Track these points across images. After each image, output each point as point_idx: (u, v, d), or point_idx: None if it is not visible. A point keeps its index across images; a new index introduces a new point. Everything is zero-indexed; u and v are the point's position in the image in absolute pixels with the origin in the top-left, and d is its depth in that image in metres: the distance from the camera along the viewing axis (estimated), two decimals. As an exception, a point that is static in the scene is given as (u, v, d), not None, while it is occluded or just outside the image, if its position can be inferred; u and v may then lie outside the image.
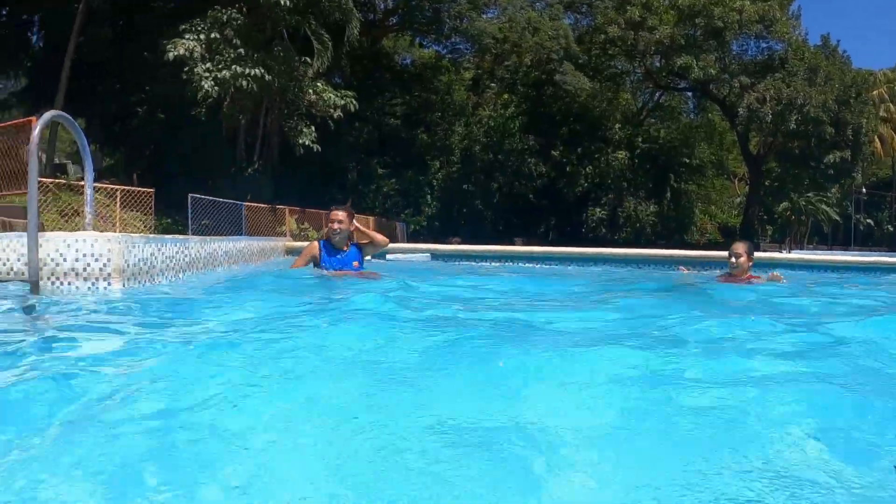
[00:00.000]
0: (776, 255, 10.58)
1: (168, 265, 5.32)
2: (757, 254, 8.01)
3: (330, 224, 7.26)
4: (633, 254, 11.01)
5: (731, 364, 2.99)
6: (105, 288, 4.53)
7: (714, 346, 3.53)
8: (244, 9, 26.01)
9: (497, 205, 51.41)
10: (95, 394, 2.34)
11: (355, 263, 7.32)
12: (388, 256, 10.90)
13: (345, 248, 7.32)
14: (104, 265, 4.51)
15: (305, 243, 9.32)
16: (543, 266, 10.59)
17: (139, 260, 4.85)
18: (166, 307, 4.25)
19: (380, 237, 7.87)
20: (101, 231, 4.82)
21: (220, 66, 24.06)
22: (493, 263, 10.89)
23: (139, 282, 4.83)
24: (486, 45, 45.01)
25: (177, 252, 5.51)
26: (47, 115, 4.37)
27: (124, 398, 2.30)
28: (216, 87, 23.92)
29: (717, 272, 8.49)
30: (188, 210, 22.40)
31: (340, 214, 7.20)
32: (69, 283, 4.57)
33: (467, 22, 41.01)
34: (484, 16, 44.07)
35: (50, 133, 29.42)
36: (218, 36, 24.65)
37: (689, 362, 3.00)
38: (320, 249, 7.32)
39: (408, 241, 43.56)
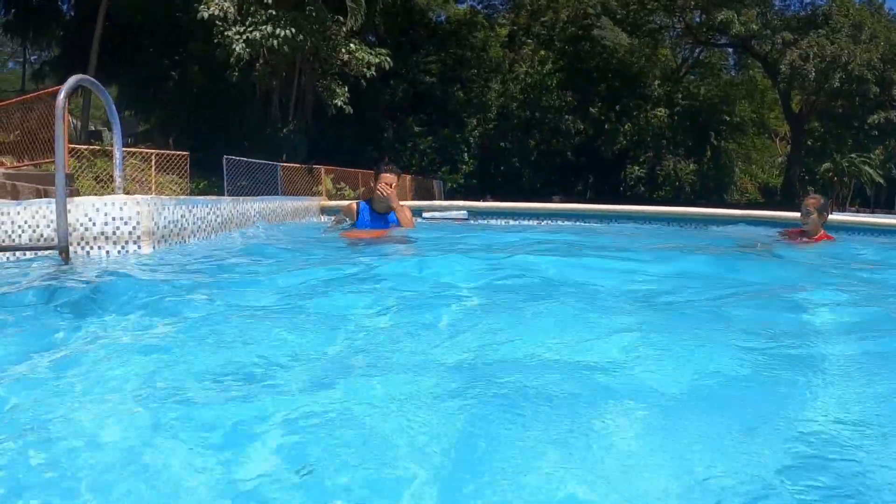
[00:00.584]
0: (851, 217, 10.05)
1: (199, 226, 5.28)
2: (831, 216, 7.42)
3: (379, 186, 6.81)
4: (675, 212, 10.66)
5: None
6: (136, 251, 4.50)
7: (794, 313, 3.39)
8: (276, -34, 25.82)
9: (534, 162, 51.10)
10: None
11: (392, 226, 6.96)
12: (424, 214, 10.75)
13: (386, 211, 6.98)
14: (133, 228, 4.47)
15: (342, 202, 9.25)
16: (591, 224, 10.30)
17: (169, 222, 4.80)
18: (192, 272, 4.17)
19: (408, 219, 7.28)
20: (138, 195, 4.83)
21: (250, 28, 23.91)
22: (532, 222, 10.64)
23: (169, 243, 4.80)
24: (521, 1, 44.35)
25: (208, 213, 5.45)
26: (72, 79, 4.32)
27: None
28: (247, 49, 23.79)
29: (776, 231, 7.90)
30: (223, 172, 22.49)
31: (392, 178, 6.84)
32: (99, 248, 4.53)
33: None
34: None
35: (84, 100, 29.58)
36: (249, -3, 24.50)
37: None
38: (359, 211, 7.03)
39: (445, 199, 43.59)
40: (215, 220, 5.59)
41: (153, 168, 20.54)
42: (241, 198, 6.65)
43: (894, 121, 44.54)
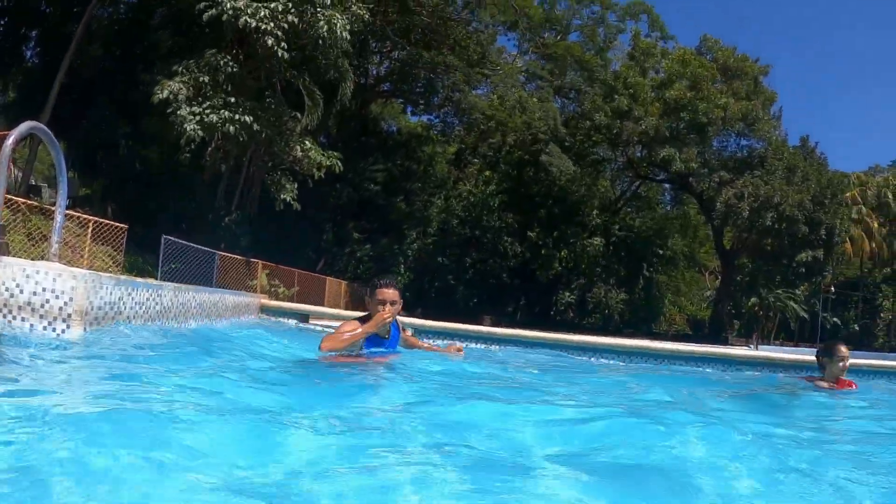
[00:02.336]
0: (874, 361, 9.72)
1: (137, 312, 4.76)
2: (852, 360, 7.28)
3: (380, 308, 5.53)
4: (659, 348, 10.04)
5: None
6: (63, 331, 3.98)
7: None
8: (240, 56, 25.78)
9: (469, 281, 51.11)
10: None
11: (391, 355, 5.90)
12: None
13: (389, 334, 5.85)
14: (65, 304, 3.96)
15: (283, 304, 8.50)
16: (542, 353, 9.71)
17: (105, 303, 4.31)
18: (125, 370, 3.59)
19: (433, 347, 6.64)
20: (69, 262, 4.31)
21: (207, 110, 23.65)
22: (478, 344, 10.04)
23: (102, 327, 4.28)
24: (475, 120, 45.21)
25: (148, 298, 4.95)
26: (25, 125, 3.92)
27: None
28: (199, 131, 23.45)
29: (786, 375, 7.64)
30: (160, 252, 21.78)
31: (394, 294, 5.62)
32: (23, 320, 4.00)
33: (459, 95, 41.11)
34: (475, 91, 44.28)
35: (30, 152, 28.84)
36: (207, 80, 24.30)
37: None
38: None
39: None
40: (154, 308, 5.08)
41: (89, 236, 19.71)
42: (182, 286, 6.08)
43: (821, 259, 45.94)
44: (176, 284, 5.73)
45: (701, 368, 8.75)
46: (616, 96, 46.10)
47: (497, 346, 9.26)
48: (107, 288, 4.30)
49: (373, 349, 5.58)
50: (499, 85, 45.22)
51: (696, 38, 51.43)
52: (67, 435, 2.17)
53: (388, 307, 5.49)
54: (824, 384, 6.53)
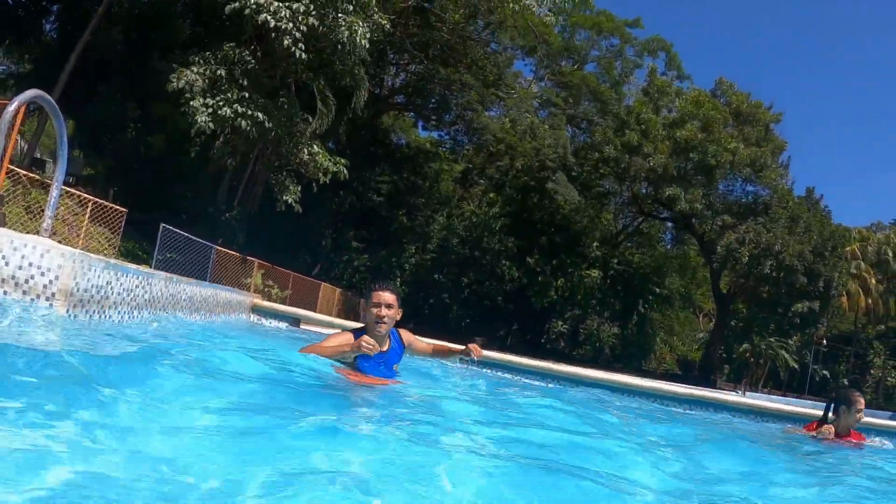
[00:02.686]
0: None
1: (124, 299, 4.60)
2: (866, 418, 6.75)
3: (374, 311, 5.08)
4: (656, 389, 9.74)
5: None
6: (46, 309, 3.82)
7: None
8: (258, 52, 25.70)
9: (464, 301, 50.93)
10: None
11: (395, 367, 5.40)
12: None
13: (387, 345, 5.27)
14: (50, 282, 3.80)
15: (276, 305, 8.28)
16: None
17: (92, 286, 4.14)
18: (112, 359, 3.32)
19: (434, 348, 5.96)
20: (64, 239, 4.15)
21: (220, 103, 23.53)
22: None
23: (87, 311, 4.12)
24: (486, 141, 45.15)
25: (137, 286, 4.78)
26: (30, 92, 3.80)
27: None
28: (211, 124, 23.33)
29: (789, 426, 7.14)
30: (157, 240, 21.62)
31: (390, 298, 5.13)
32: (4, 293, 3.83)
33: (472, 114, 41.03)
34: (488, 113, 44.22)
35: (38, 125, 28.74)
36: (224, 73, 24.21)
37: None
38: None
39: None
40: (143, 297, 4.91)
41: (87, 215, 19.55)
42: (174, 276, 5.87)
43: (816, 311, 45.82)
44: (167, 274, 5.54)
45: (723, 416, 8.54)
46: (627, 131, 46.06)
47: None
48: (95, 270, 4.14)
49: (366, 363, 5.03)
50: (512, 108, 45.13)
51: (711, 80, 51.69)
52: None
53: (382, 310, 5.03)
54: (830, 436, 6.10)
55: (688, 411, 8.53)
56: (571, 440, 3.77)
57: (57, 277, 3.81)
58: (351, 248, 46.51)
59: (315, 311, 29.75)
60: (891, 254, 67.53)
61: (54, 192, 4.37)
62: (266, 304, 9.99)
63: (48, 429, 2.09)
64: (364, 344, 4.72)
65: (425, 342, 5.97)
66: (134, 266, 5.00)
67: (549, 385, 8.69)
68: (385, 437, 2.79)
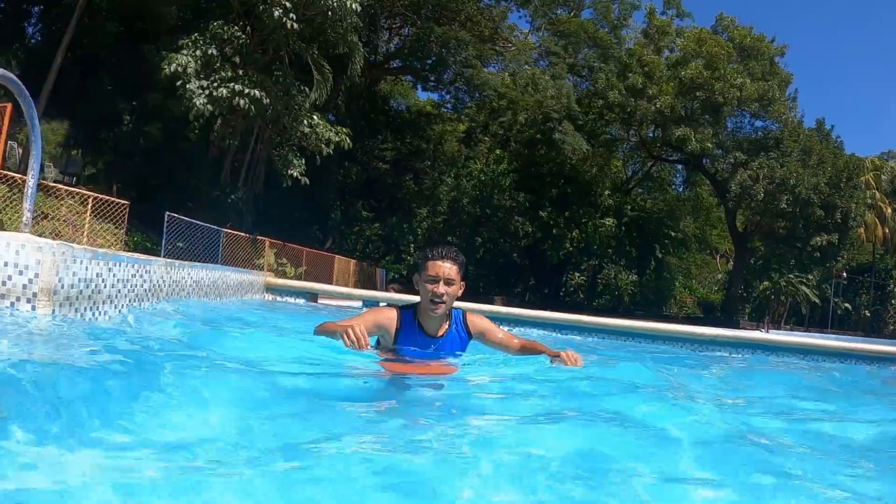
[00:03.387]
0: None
1: (120, 291, 4.17)
2: None
3: (429, 287, 4.13)
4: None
5: None
6: (29, 312, 3.39)
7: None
8: (248, 28, 25.13)
9: (479, 260, 50.58)
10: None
11: (452, 364, 4.24)
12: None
13: (442, 330, 4.32)
14: (30, 281, 3.33)
15: (290, 282, 7.85)
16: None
17: (80, 280, 3.69)
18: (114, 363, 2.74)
19: (520, 345, 4.43)
20: (69, 240, 3.69)
21: (216, 84, 23.01)
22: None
23: (77, 310, 3.69)
24: (487, 97, 44.41)
25: (133, 275, 4.33)
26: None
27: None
28: (208, 106, 22.83)
29: None
30: (163, 229, 21.24)
31: (450, 270, 4.14)
32: (-20, 301, 3.37)
33: (471, 71, 40.26)
34: (487, 68, 43.46)
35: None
36: (216, 53, 23.67)
37: None
38: (400, 324, 4.24)
39: (384, 289, 42.64)
40: (142, 287, 4.47)
41: (88, 212, 19.16)
42: (176, 261, 5.43)
43: (835, 243, 45.34)
44: (168, 260, 5.12)
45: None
46: (630, 74, 45.28)
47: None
48: (81, 262, 3.68)
49: (412, 348, 4.20)
50: (511, 62, 44.39)
51: (712, 17, 50.52)
52: None
53: (440, 286, 4.07)
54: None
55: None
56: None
57: (37, 275, 3.34)
58: (361, 218, 46.20)
59: (331, 284, 29.50)
60: None
61: (30, 183, 3.91)
62: (279, 281, 9.66)
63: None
64: (346, 337, 3.63)
65: (506, 334, 4.54)
66: (127, 254, 4.56)
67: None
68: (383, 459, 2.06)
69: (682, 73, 44.29)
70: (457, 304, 4.42)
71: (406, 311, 4.30)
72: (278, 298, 9.00)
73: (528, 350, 4.32)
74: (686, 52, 45.77)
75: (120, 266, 4.15)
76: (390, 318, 4.24)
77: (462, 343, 4.39)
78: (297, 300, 9.11)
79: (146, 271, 4.52)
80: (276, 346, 4.32)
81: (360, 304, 10.26)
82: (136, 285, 4.35)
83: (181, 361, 2.96)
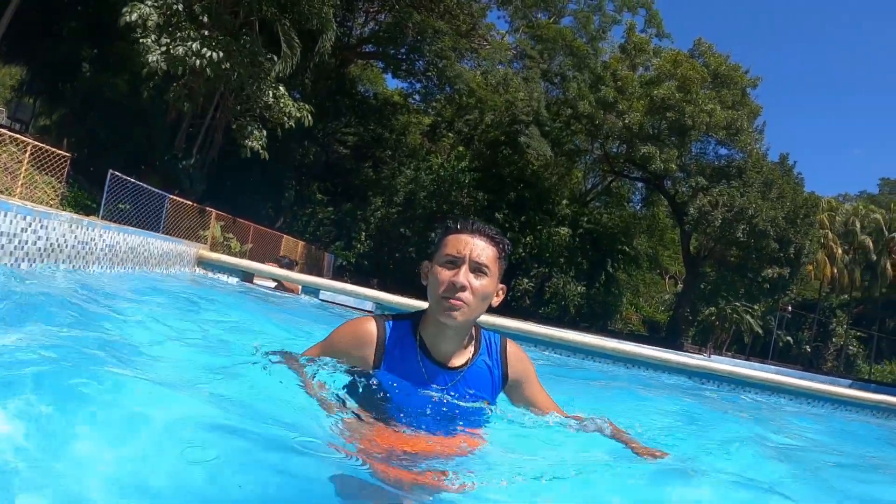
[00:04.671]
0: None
1: (7, 249, 3.38)
2: None
3: (444, 275, 2.65)
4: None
5: None
6: None
7: None
8: (219, -14, 24.14)
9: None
10: None
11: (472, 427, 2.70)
12: (321, 296, 9.14)
13: (462, 358, 2.78)
14: None
15: (229, 258, 7.07)
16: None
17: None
18: None
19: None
20: (1, 189, 2.91)
21: (175, 42, 21.95)
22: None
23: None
24: (459, 90, 43.76)
25: (25, 230, 3.55)
26: None
27: None
28: (163, 64, 21.75)
29: None
30: (105, 188, 20.25)
31: (486, 251, 2.67)
32: None
33: (446, 62, 39.60)
34: (461, 63, 42.88)
35: None
36: (181, 8, 22.60)
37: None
38: (384, 342, 2.74)
39: (333, 275, 41.86)
40: (34, 244, 3.65)
41: (26, 160, 18.06)
42: (85, 219, 4.58)
43: (786, 277, 45.73)
44: (74, 216, 4.27)
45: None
46: (602, 87, 45.06)
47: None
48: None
49: (403, 386, 2.67)
50: (484, 60, 43.88)
51: (690, 40, 50.45)
52: None
53: (461, 275, 2.58)
54: None
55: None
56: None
57: None
58: (315, 200, 45.40)
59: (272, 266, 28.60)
60: (858, 225, 69.37)
61: None
62: (213, 255, 8.83)
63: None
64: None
65: (545, 396, 2.97)
66: (18, 202, 3.72)
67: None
68: None
69: (655, 91, 44.21)
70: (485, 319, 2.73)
71: (399, 321, 2.77)
72: (209, 274, 8.22)
73: (586, 427, 2.75)
74: (661, 72, 45.75)
75: (8, 219, 3.35)
76: (363, 336, 2.71)
77: (494, 386, 2.81)
78: (230, 279, 8.35)
79: (42, 228, 3.69)
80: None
81: (273, 283, 9.65)
82: (26, 241, 3.55)
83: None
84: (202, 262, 8.17)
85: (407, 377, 2.68)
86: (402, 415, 2.61)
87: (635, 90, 45.32)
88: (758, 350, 68.37)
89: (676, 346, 47.68)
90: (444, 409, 2.67)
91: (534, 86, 44.85)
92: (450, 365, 2.72)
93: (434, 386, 2.70)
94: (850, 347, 73.94)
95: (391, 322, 2.76)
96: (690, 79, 44.13)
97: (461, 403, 2.71)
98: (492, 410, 2.77)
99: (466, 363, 2.75)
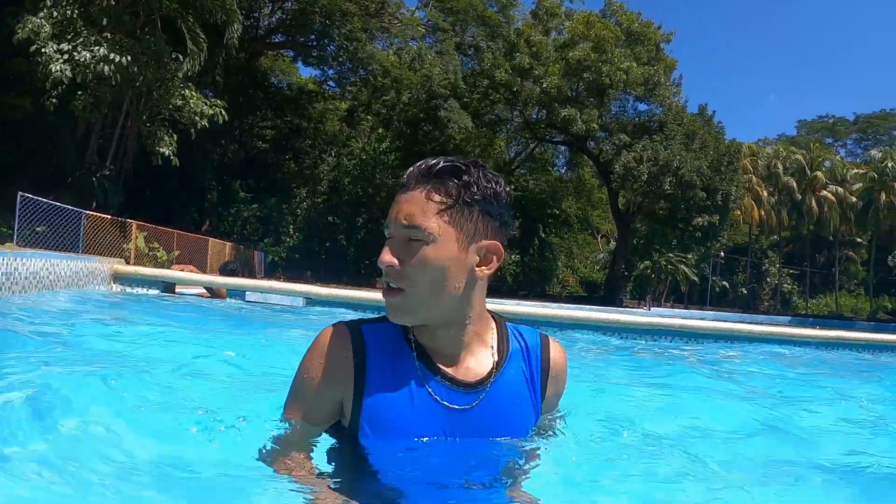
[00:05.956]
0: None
1: None
2: None
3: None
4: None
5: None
6: None
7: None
8: (117, -15, 23.04)
9: (361, 241, 49.45)
10: None
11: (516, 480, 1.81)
12: (247, 297, 8.65)
13: (484, 365, 1.88)
14: None
15: (153, 271, 6.52)
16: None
17: None
18: None
19: None
20: None
21: (78, 48, 20.87)
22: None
23: None
24: (373, 71, 43.08)
25: None
26: None
27: None
28: (68, 72, 20.69)
29: None
30: (16, 211, 19.24)
31: (415, 200, 1.79)
32: None
33: (356, 45, 38.88)
34: (373, 43, 42.23)
35: None
36: (77, 14, 21.48)
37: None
38: (362, 352, 1.81)
39: (265, 273, 41.05)
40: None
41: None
42: None
43: (716, 224, 46.39)
44: None
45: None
46: (517, 54, 44.83)
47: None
48: None
49: (395, 425, 1.78)
50: (396, 38, 43.31)
51: (601, 1, 50.47)
52: None
53: (384, 250, 1.82)
54: None
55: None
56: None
57: None
58: (239, 198, 44.46)
59: (206, 270, 27.69)
60: (780, 167, 71.96)
61: None
62: (129, 269, 8.28)
63: None
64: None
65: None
66: None
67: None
68: None
69: (570, 54, 44.20)
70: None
71: (378, 324, 1.90)
72: (127, 290, 7.69)
73: None
74: (574, 35, 45.74)
75: None
76: (328, 351, 1.82)
77: (535, 406, 1.96)
78: (150, 291, 7.84)
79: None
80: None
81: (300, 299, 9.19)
82: None
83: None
84: (118, 278, 7.62)
85: (406, 406, 1.79)
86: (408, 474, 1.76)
87: (550, 55, 45.21)
88: (695, 297, 70.01)
89: (616, 302, 48.25)
90: (466, 453, 1.82)
91: (449, 59, 44.52)
92: (468, 379, 1.84)
93: (444, 418, 1.81)
94: (785, 285, 76.65)
95: (369, 325, 1.88)
96: (604, 39, 44.20)
97: (493, 439, 1.86)
98: (530, 437, 1.94)
99: (491, 374, 1.86)
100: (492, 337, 1.92)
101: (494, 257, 1.86)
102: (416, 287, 1.75)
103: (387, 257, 1.78)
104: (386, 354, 1.82)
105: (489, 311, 1.96)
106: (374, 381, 1.79)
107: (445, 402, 1.80)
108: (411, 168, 1.83)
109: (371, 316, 1.98)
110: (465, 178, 1.77)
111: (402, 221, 1.77)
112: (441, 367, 1.82)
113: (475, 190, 1.78)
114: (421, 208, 1.75)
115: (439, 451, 1.79)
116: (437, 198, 1.76)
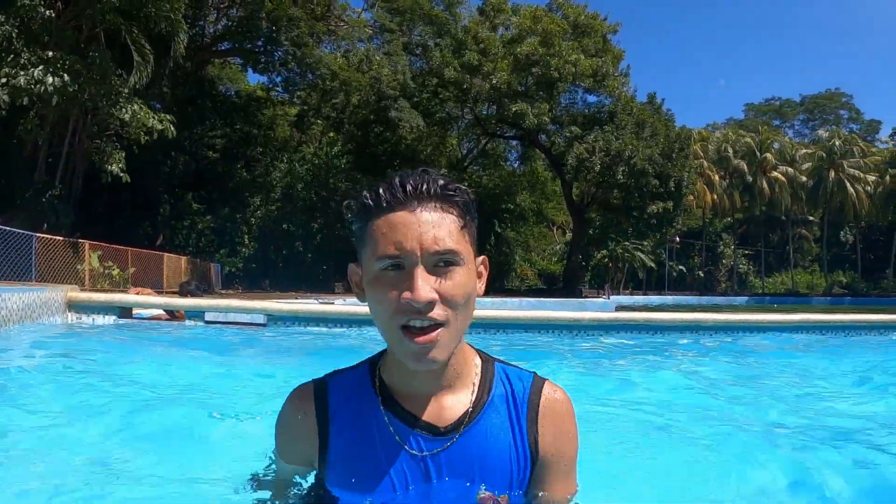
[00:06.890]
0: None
1: None
2: None
3: (386, 291, 1.55)
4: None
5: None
6: None
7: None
8: (58, 3, 22.44)
9: (318, 247, 49.13)
10: None
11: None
12: (206, 317, 8.47)
13: (455, 409, 1.70)
14: None
15: (108, 297, 6.32)
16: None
17: None
18: None
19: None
20: None
21: (14, 71, 20.31)
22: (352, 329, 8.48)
23: None
24: (321, 76, 42.71)
25: None
26: None
27: None
28: (5, 97, 20.13)
29: None
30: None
31: (446, 223, 1.57)
32: None
33: (304, 49, 38.53)
34: (319, 48, 41.88)
35: None
36: (16, 33, 20.90)
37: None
38: (325, 406, 1.74)
39: (222, 285, 40.52)
40: None
41: None
42: None
43: (671, 210, 46.77)
44: None
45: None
46: (465, 52, 44.76)
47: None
48: None
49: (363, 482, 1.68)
50: (344, 41, 42.97)
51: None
52: None
53: (417, 284, 1.49)
54: None
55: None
56: None
57: None
58: (192, 210, 43.83)
59: (163, 286, 27.24)
60: (731, 151, 73.38)
61: None
62: (83, 296, 8.06)
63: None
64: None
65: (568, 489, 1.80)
66: None
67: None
68: None
69: (518, 49, 44.21)
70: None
71: (348, 372, 1.81)
72: (84, 319, 7.47)
73: None
74: (521, 29, 45.75)
75: None
76: (293, 411, 1.77)
77: (515, 464, 1.72)
78: (106, 318, 7.61)
79: None
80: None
81: (261, 317, 9.01)
82: None
83: None
84: (73, 306, 7.38)
85: (371, 453, 1.69)
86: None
87: (498, 50, 45.22)
88: (653, 283, 70.87)
89: (575, 293, 48.49)
90: (432, 500, 1.68)
91: (397, 59, 44.39)
92: (433, 422, 1.69)
93: (420, 460, 1.69)
94: (741, 266, 78.16)
95: (336, 378, 1.79)
96: (551, 32, 44.29)
97: (466, 484, 1.70)
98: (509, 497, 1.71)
99: (464, 420, 1.69)
100: (474, 374, 1.76)
101: (484, 270, 1.74)
102: (458, 316, 1.57)
103: (427, 294, 1.50)
104: (350, 406, 1.73)
105: (480, 352, 1.83)
106: (338, 434, 1.71)
107: (414, 451, 1.67)
108: (412, 176, 1.62)
109: (347, 365, 1.85)
110: (462, 191, 1.64)
111: (434, 248, 1.53)
112: (410, 411, 1.69)
113: (469, 201, 1.65)
114: (447, 230, 1.56)
115: (406, 500, 1.68)
116: (458, 216, 1.61)
